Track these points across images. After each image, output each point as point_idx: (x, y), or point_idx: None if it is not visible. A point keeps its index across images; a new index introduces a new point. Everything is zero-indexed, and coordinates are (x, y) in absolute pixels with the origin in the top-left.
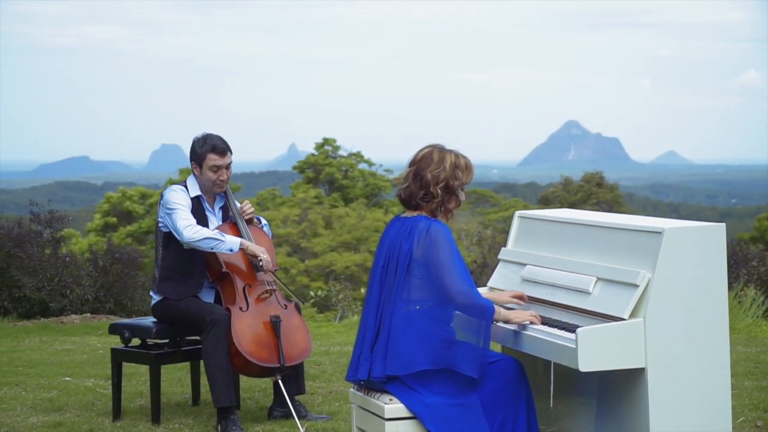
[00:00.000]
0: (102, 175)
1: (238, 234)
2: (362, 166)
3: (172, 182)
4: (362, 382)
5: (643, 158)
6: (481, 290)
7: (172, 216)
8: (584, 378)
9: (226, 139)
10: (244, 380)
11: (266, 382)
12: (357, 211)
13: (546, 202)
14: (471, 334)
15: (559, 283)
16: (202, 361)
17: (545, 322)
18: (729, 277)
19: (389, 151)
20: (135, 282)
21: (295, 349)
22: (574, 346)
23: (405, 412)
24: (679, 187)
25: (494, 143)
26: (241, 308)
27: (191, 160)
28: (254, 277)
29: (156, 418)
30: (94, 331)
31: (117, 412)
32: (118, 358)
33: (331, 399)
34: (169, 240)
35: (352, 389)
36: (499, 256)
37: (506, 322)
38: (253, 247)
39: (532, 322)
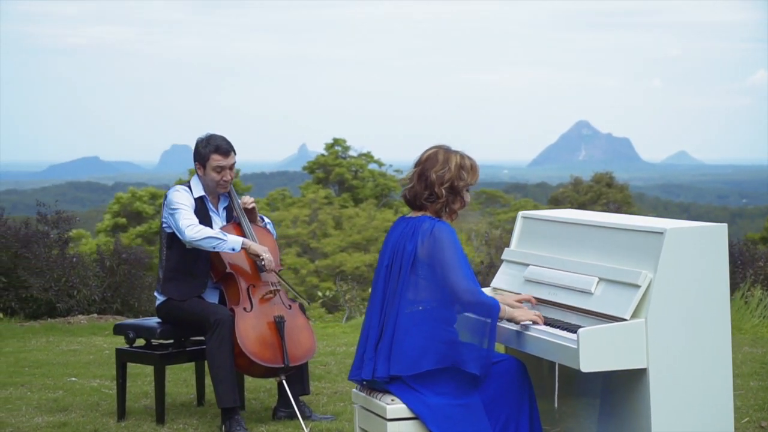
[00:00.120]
0: (112, 176)
1: (242, 234)
2: (372, 166)
3: (181, 183)
4: (365, 382)
5: (653, 158)
6: (485, 291)
7: (174, 216)
8: (588, 378)
9: (230, 139)
10: (248, 381)
11: (271, 383)
12: (367, 212)
13: (556, 203)
14: (475, 335)
15: (561, 284)
16: (206, 362)
17: (548, 322)
18: (736, 278)
19: (399, 151)
20: (142, 282)
21: (299, 350)
22: (575, 347)
23: (407, 413)
24: (689, 188)
25: (505, 143)
26: (245, 309)
27: (195, 161)
28: (258, 277)
29: (160, 419)
30: (101, 331)
31: (122, 413)
32: (122, 358)
33: (336, 399)
34: (173, 241)
35: (354, 390)
36: (503, 257)
37: (510, 320)
38: (256, 246)
39: (535, 322)
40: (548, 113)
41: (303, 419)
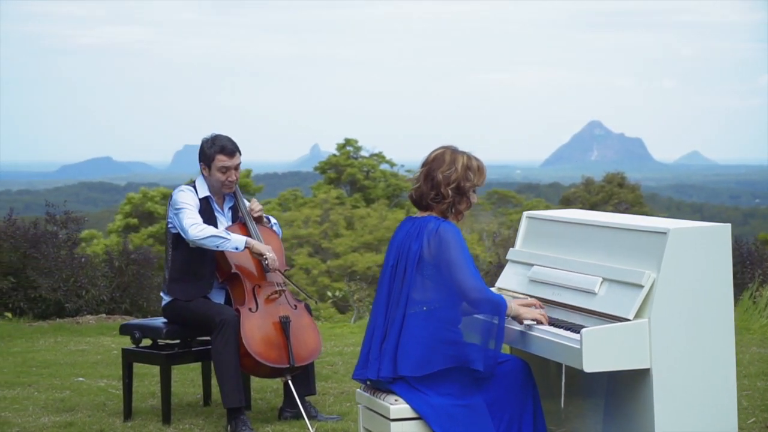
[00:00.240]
0: (125, 176)
1: (248, 234)
2: (384, 166)
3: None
4: (369, 382)
5: (666, 158)
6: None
7: (179, 215)
8: (593, 379)
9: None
10: (255, 381)
11: (278, 383)
12: (378, 212)
13: (567, 203)
14: (482, 336)
15: (565, 284)
16: (212, 362)
17: (552, 322)
18: (744, 278)
19: (411, 151)
20: (151, 283)
21: (304, 350)
22: (578, 347)
23: (410, 413)
24: (702, 188)
25: (517, 143)
26: (250, 309)
27: (200, 161)
28: (264, 277)
29: (167, 419)
30: (109, 331)
31: (128, 413)
32: (129, 358)
33: (342, 399)
34: (179, 241)
35: (358, 390)
36: (507, 257)
37: (516, 317)
38: (259, 245)
39: (539, 321)
40: (561, 113)
41: (309, 419)
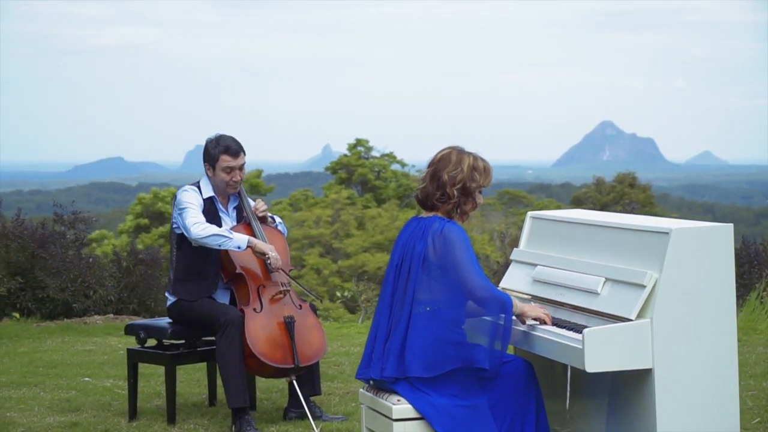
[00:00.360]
0: (136, 176)
1: (252, 234)
2: (395, 166)
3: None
4: (372, 382)
5: (677, 158)
6: None
7: (182, 215)
8: (597, 379)
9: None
10: (261, 381)
11: (283, 383)
12: (389, 212)
13: (578, 203)
14: (487, 337)
15: (568, 284)
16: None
17: (555, 322)
18: (752, 278)
19: (423, 151)
20: (159, 283)
21: (309, 349)
22: (580, 347)
23: (413, 413)
24: (714, 188)
25: (529, 144)
26: (254, 309)
27: (204, 162)
28: (268, 277)
29: (171, 419)
30: (116, 331)
31: (133, 413)
32: (134, 358)
33: (347, 399)
34: (183, 241)
35: (361, 390)
36: (511, 257)
37: (521, 314)
38: (261, 245)
39: (543, 321)
40: (572, 113)
41: (313, 419)
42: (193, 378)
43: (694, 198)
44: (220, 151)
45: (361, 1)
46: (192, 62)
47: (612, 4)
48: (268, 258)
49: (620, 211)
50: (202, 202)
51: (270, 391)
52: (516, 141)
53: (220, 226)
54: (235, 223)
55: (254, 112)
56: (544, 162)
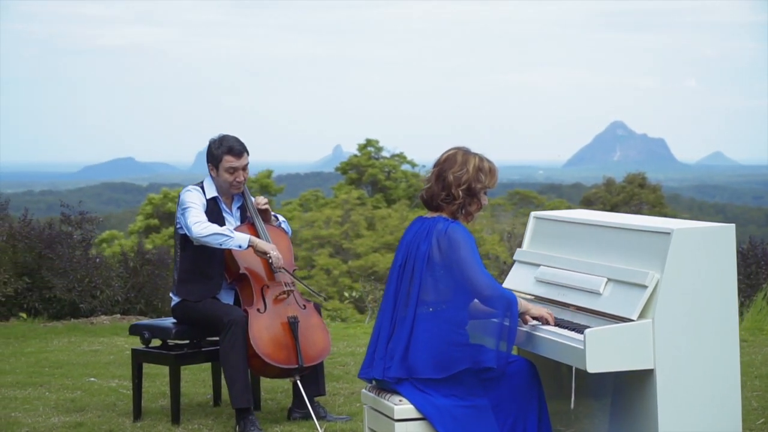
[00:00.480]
0: (147, 177)
1: (256, 234)
2: (405, 167)
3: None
4: (374, 382)
5: (689, 159)
6: None
7: (185, 214)
8: (601, 379)
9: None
10: (266, 381)
11: (288, 383)
12: (399, 212)
13: (588, 203)
14: (492, 338)
15: (571, 284)
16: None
17: (557, 323)
18: (759, 278)
19: (433, 152)
20: (166, 283)
21: (313, 349)
22: (582, 347)
23: (415, 413)
24: (725, 188)
25: (539, 144)
26: (258, 309)
27: (208, 162)
28: (272, 278)
29: (176, 419)
30: (123, 332)
31: (137, 413)
32: (138, 358)
33: (352, 400)
34: (187, 242)
35: (364, 390)
36: (515, 257)
37: (525, 312)
38: (263, 244)
39: (546, 320)
40: (583, 114)
41: (317, 420)
42: (197, 378)
43: (706, 198)
44: (223, 151)
45: (371, 1)
46: (202, 63)
47: (623, 4)
48: (270, 257)
49: (628, 212)
50: (205, 202)
51: (275, 391)
52: (527, 141)
53: (223, 226)
54: (239, 223)
55: (265, 113)
56: (554, 162)
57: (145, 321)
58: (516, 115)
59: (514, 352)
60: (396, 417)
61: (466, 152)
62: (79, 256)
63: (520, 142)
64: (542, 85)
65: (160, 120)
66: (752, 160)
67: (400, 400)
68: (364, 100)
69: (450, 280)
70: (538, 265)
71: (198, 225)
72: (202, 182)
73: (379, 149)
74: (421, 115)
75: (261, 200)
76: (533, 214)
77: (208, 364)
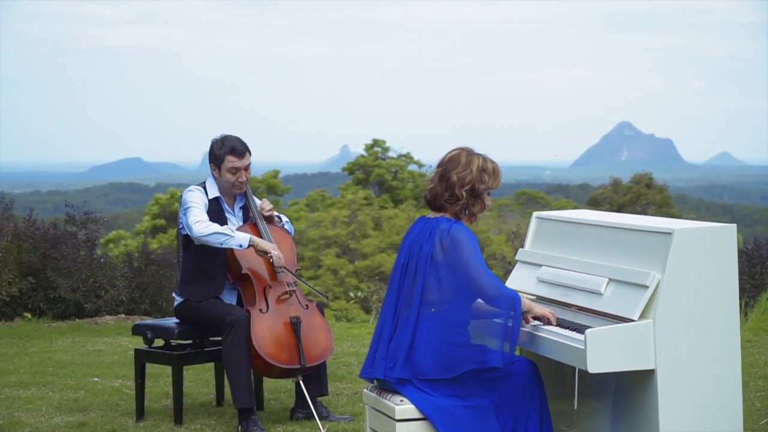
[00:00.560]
0: (154, 177)
1: (258, 235)
2: (412, 167)
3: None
4: (376, 381)
5: (696, 159)
6: None
7: (186, 214)
8: (603, 379)
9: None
10: (268, 381)
11: (291, 383)
12: (406, 213)
13: (595, 204)
14: (496, 338)
15: (572, 284)
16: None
17: (558, 323)
18: (763, 278)
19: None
20: (170, 283)
21: (316, 349)
22: (583, 347)
23: (416, 413)
24: (732, 188)
25: (547, 144)
26: (261, 310)
27: (210, 162)
28: (274, 278)
29: (179, 419)
30: (127, 332)
31: (140, 413)
32: (141, 358)
33: (355, 400)
34: (189, 242)
35: (365, 390)
36: (517, 257)
37: (528, 310)
38: (264, 243)
39: (548, 319)
40: (590, 114)
41: (320, 420)
42: (200, 378)
43: (713, 199)
44: (225, 151)
45: (378, 1)
46: (208, 63)
47: (629, 4)
48: (271, 256)
49: (635, 213)
50: (207, 202)
51: (278, 391)
52: (534, 141)
53: (225, 225)
54: (241, 223)
55: (272, 113)
56: (562, 162)
57: (148, 321)
58: (524, 115)
59: (517, 352)
60: (397, 417)
61: (469, 153)
62: (84, 256)
63: (527, 142)
64: (549, 85)
65: (166, 120)
66: (760, 160)
67: (402, 400)
68: (371, 101)
69: (453, 280)
70: (540, 266)
71: (199, 224)
72: (204, 182)
73: (386, 149)
74: (428, 115)
75: (266, 206)
76: (535, 214)
77: (211, 364)
